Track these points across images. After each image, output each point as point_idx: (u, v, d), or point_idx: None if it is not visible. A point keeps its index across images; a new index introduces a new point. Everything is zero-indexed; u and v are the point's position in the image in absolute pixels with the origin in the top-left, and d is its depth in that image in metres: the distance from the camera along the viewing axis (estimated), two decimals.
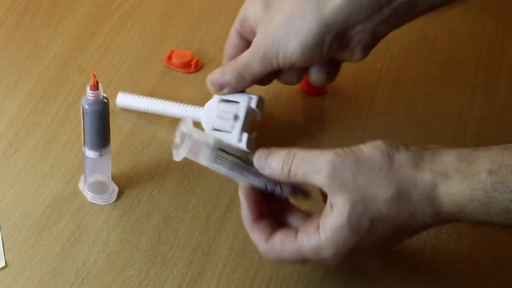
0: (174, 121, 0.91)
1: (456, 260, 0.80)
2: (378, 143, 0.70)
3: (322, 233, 0.70)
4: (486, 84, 0.98)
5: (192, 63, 0.97)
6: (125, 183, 0.84)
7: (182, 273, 0.78)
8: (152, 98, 0.90)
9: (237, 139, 0.84)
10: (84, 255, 0.78)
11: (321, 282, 0.78)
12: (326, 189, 0.70)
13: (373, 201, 0.68)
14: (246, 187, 0.74)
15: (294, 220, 0.74)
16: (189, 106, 0.88)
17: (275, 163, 0.72)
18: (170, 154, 0.87)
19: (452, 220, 0.69)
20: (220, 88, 0.85)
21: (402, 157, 0.68)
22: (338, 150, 0.70)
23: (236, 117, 0.84)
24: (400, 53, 1.01)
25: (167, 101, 0.89)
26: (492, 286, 0.79)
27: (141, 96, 0.91)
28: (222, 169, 0.73)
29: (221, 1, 1.06)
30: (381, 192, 0.68)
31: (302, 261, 0.72)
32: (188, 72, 0.97)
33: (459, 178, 0.67)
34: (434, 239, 0.81)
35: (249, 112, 0.85)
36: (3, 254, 0.78)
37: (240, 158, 0.73)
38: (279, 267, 0.78)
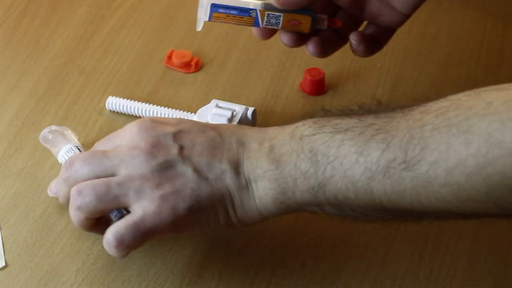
0: None
1: (456, 260, 0.80)
2: None
3: None
4: (486, 84, 0.98)
5: (192, 63, 0.97)
6: None
7: (182, 273, 0.78)
8: (143, 103, 0.90)
9: None
10: (84, 255, 0.78)
11: (321, 282, 0.78)
12: None
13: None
14: None
15: None
16: (181, 111, 0.88)
17: None
18: None
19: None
20: None
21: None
22: None
23: (229, 121, 0.85)
24: (400, 53, 1.01)
25: (157, 106, 0.90)
26: (492, 286, 0.79)
27: (132, 101, 0.91)
28: None
29: None
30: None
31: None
32: (188, 72, 0.97)
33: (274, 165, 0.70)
34: (434, 239, 0.81)
35: (244, 119, 0.86)
36: (3, 254, 0.78)
37: None
38: (279, 267, 0.78)
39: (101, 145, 0.76)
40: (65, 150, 0.83)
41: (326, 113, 0.71)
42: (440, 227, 0.82)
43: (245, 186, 0.71)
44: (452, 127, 0.62)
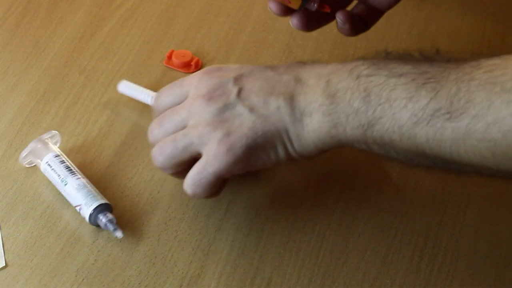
0: None
1: (456, 260, 0.80)
2: None
3: None
4: None
5: (192, 63, 0.97)
6: (125, 183, 0.84)
7: (182, 273, 0.78)
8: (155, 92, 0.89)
9: None
10: (84, 255, 0.78)
11: (321, 282, 0.78)
12: None
13: None
14: None
15: None
16: None
17: None
18: None
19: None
20: None
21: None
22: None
23: None
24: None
25: None
26: (492, 286, 0.79)
27: (144, 88, 0.91)
28: None
29: (221, 1, 1.06)
30: None
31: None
32: (188, 72, 0.97)
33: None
34: (434, 239, 0.81)
35: None
36: (3, 254, 0.78)
37: None
38: (279, 267, 0.78)
39: (168, 91, 0.81)
40: (42, 169, 0.83)
41: (387, 55, 0.74)
42: (440, 227, 0.82)
43: (299, 119, 0.73)
44: (497, 85, 0.63)
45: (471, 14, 1.07)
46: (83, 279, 0.76)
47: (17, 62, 0.97)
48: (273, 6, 0.84)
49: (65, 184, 0.81)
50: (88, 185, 0.81)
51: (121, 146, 0.88)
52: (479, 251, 0.81)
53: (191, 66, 0.97)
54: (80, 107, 0.92)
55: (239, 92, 0.75)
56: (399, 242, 0.81)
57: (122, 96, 0.93)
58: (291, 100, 0.73)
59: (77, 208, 0.80)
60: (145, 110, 0.92)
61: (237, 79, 0.76)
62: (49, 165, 0.83)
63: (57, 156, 0.83)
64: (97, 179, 0.83)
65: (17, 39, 1.00)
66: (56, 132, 0.86)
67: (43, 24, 1.02)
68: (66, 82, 0.95)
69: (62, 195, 0.82)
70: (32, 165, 0.85)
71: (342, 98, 0.71)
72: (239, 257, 0.79)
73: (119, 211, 0.82)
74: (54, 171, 0.82)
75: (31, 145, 0.84)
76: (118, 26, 1.02)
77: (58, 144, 0.86)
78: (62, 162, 0.82)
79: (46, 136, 0.85)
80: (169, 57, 0.98)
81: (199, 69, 0.97)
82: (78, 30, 1.01)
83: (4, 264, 0.77)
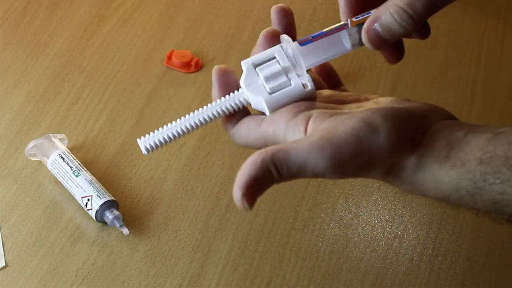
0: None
1: (456, 260, 0.80)
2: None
3: (310, 137, 0.62)
4: (486, 84, 0.98)
5: (192, 63, 0.97)
6: (125, 183, 0.84)
7: (182, 273, 0.78)
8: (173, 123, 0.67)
9: (301, 85, 0.66)
10: (84, 255, 0.78)
11: (321, 282, 0.78)
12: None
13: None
14: None
15: None
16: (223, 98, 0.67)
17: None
18: (170, 154, 0.88)
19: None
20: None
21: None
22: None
23: (286, 70, 0.66)
24: None
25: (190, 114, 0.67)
26: (492, 286, 0.79)
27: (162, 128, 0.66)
28: None
29: (221, 1, 1.06)
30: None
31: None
32: (188, 72, 0.97)
33: (448, 167, 0.66)
34: (434, 239, 0.81)
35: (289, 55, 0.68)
36: (3, 254, 0.78)
37: None
38: (279, 267, 0.78)
39: None
40: (50, 162, 0.83)
41: None
42: (440, 227, 0.82)
43: None
44: None
45: (471, 14, 1.07)
46: (83, 279, 0.76)
47: (17, 62, 0.97)
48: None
49: (77, 176, 0.81)
50: (96, 182, 0.82)
51: (121, 146, 0.88)
52: (479, 251, 0.81)
53: (191, 66, 0.97)
54: (80, 107, 0.92)
55: None
56: (399, 242, 0.81)
57: (122, 96, 0.93)
58: None
59: (84, 200, 0.80)
60: (145, 110, 0.92)
61: None
62: (61, 157, 0.83)
63: (68, 152, 0.84)
64: (97, 179, 0.83)
65: (17, 39, 1.00)
66: (64, 135, 0.87)
67: (43, 24, 1.02)
68: (66, 82, 0.95)
69: (63, 194, 0.82)
70: (35, 158, 0.85)
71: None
72: (239, 257, 0.79)
73: (119, 211, 0.82)
74: (67, 163, 0.82)
75: (40, 140, 0.85)
76: (118, 26, 1.02)
77: (65, 146, 0.87)
78: (74, 158, 0.83)
79: (54, 135, 0.86)
80: (169, 57, 0.98)
81: (199, 69, 0.97)
82: (78, 30, 1.01)
83: (4, 264, 0.77)
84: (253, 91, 0.65)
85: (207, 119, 0.66)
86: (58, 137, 0.86)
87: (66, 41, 1.00)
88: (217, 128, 0.90)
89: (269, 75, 0.66)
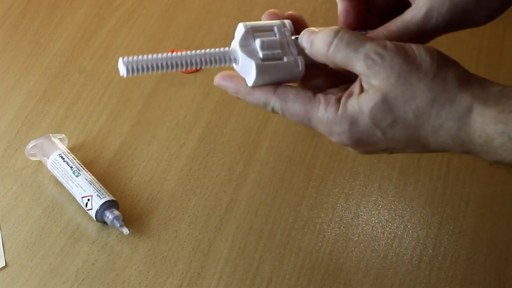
0: (174, 120, 0.91)
1: (456, 260, 0.80)
2: (432, 48, 0.67)
3: (341, 109, 0.65)
4: None
5: None
6: (125, 183, 0.84)
7: (182, 273, 0.78)
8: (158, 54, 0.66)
9: (293, 64, 0.66)
10: (84, 255, 0.78)
11: (321, 282, 0.78)
12: (363, 76, 0.65)
13: (405, 103, 0.65)
14: None
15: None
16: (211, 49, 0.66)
17: (318, 40, 0.66)
18: (170, 154, 0.88)
19: (471, 152, 0.66)
20: None
21: (450, 71, 0.67)
22: (388, 43, 0.66)
23: (281, 45, 0.67)
24: None
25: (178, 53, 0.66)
26: (492, 286, 0.79)
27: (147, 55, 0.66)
28: None
29: (221, 1, 1.06)
30: (417, 97, 0.65)
31: (307, 123, 0.66)
32: (188, 72, 0.97)
33: (496, 110, 0.64)
34: (434, 239, 0.81)
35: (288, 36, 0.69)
36: (3, 254, 0.78)
37: None
38: (279, 267, 0.78)
39: None
40: (50, 162, 0.83)
41: None
42: (440, 227, 0.82)
43: None
44: None
45: None
46: (83, 279, 0.76)
47: (17, 62, 0.97)
48: None
49: (77, 176, 0.81)
50: (96, 182, 0.82)
51: (121, 146, 0.88)
52: (479, 251, 0.81)
53: None
54: (80, 107, 0.92)
55: None
56: (399, 242, 0.81)
57: (122, 95, 0.93)
58: None
59: (84, 200, 0.80)
60: (145, 110, 0.92)
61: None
62: (61, 157, 0.83)
63: (68, 152, 0.84)
64: (97, 179, 0.83)
65: (17, 39, 1.00)
66: (64, 135, 0.87)
67: (43, 24, 1.02)
68: (66, 82, 0.95)
69: (63, 194, 0.82)
70: (35, 158, 0.85)
71: None
72: (239, 257, 0.79)
73: (119, 211, 0.82)
74: (67, 163, 0.82)
75: (40, 140, 0.85)
76: (118, 26, 1.02)
77: (65, 145, 0.87)
78: (74, 158, 0.83)
79: (55, 135, 0.86)
80: None
81: (199, 69, 0.97)
82: (78, 30, 1.01)
83: (4, 264, 0.77)
84: (246, 53, 0.64)
85: (193, 63, 0.65)
86: (58, 137, 0.86)
87: (66, 41, 1.00)
88: (217, 128, 0.90)
89: (265, 43, 0.66)
